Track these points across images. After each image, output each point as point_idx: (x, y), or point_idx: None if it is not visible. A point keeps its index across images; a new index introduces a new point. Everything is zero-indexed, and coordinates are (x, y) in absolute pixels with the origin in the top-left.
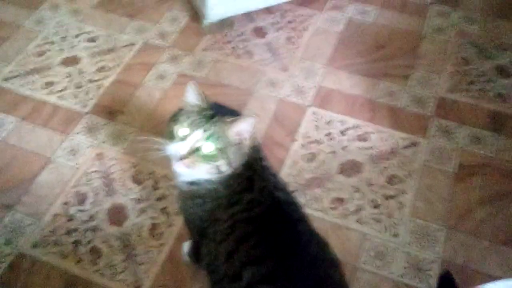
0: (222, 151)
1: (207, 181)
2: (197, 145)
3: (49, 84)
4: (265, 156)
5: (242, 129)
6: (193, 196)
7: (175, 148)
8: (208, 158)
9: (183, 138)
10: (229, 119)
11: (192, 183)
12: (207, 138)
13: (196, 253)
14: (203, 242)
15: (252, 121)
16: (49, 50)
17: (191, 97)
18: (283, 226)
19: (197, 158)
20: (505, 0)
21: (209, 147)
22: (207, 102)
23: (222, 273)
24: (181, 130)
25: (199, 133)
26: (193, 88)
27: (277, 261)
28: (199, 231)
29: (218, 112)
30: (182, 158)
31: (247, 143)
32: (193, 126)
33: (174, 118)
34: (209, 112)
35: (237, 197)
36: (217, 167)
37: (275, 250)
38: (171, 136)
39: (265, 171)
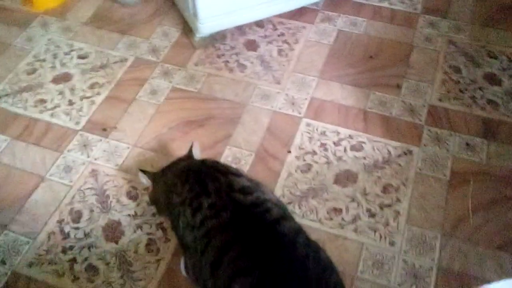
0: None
1: None
2: None
3: (41, 102)
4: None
5: None
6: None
7: None
8: None
9: None
10: None
11: None
12: None
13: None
14: (187, 253)
15: None
16: (40, 68)
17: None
18: (261, 230)
19: None
20: (492, 9)
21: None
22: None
23: (211, 287)
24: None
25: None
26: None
27: (264, 268)
28: (181, 242)
29: None
30: None
31: None
32: None
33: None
34: None
35: (196, 202)
36: None
37: (260, 257)
38: None
39: (212, 169)
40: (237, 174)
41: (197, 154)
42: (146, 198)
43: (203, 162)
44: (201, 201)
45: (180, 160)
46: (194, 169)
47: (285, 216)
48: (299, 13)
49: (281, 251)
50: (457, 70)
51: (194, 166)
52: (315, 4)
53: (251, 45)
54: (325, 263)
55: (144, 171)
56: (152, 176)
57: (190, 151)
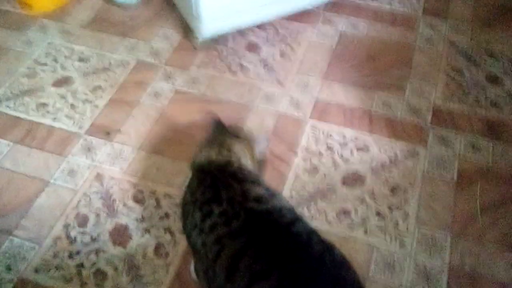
0: None
1: None
2: None
3: (43, 105)
4: (231, 161)
5: None
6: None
7: None
8: None
9: None
10: None
11: None
12: None
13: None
14: (196, 256)
15: None
16: (41, 72)
17: None
18: (275, 232)
19: None
20: (491, 10)
21: None
22: None
23: None
24: None
25: None
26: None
27: (283, 269)
28: (191, 244)
29: None
30: None
31: None
32: None
33: None
34: None
35: (207, 208)
36: None
37: (277, 259)
38: None
39: (228, 177)
40: (255, 182)
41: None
42: (153, 201)
43: (226, 165)
44: (212, 208)
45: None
46: (213, 170)
47: (299, 218)
48: (300, 16)
49: (298, 250)
50: (460, 71)
51: (214, 167)
52: (316, 6)
53: (253, 48)
54: (341, 259)
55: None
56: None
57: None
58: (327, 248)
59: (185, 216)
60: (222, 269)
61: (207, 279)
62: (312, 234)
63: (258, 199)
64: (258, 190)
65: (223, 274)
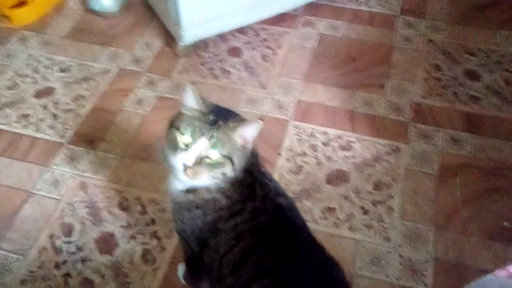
0: (227, 157)
1: (205, 189)
2: (202, 154)
3: (25, 117)
4: (262, 162)
5: (247, 134)
6: (190, 206)
7: (179, 159)
8: (214, 165)
9: (186, 147)
10: (233, 124)
11: (188, 191)
12: (212, 146)
13: (193, 269)
14: (204, 252)
15: (257, 126)
16: (21, 83)
17: (190, 101)
18: (289, 234)
19: (202, 168)
20: (467, 8)
21: (214, 155)
22: (207, 105)
23: (229, 284)
24: (183, 138)
25: (203, 142)
26: (192, 91)
27: (286, 271)
28: (200, 242)
29: (220, 116)
30: (186, 168)
31: (249, 146)
32: (196, 134)
33: (175, 125)
34: (211, 117)
35: (239, 206)
36: (223, 173)
37: (284, 261)
38: (172, 145)
39: (264, 177)
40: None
41: (191, 103)
42: (138, 208)
43: (256, 164)
44: (245, 205)
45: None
46: (250, 171)
47: (305, 222)
48: (280, 19)
49: (303, 255)
50: (438, 68)
51: (251, 168)
52: (295, 9)
53: (235, 52)
54: (333, 261)
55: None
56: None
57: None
58: (322, 251)
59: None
60: (230, 262)
61: (210, 270)
62: (313, 239)
63: (285, 195)
64: (280, 186)
65: (229, 268)
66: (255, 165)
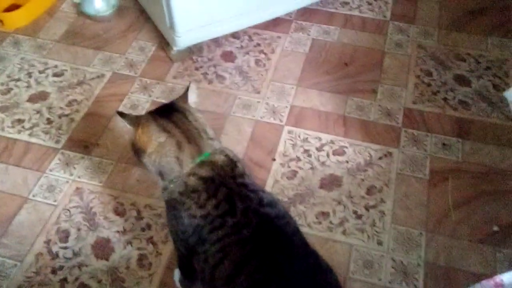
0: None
1: (164, 188)
2: None
3: (19, 121)
4: (244, 173)
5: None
6: (169, 206)
7: None
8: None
9: None
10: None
11: (163, 189)
12: None
13: (185, 272)
14: (194, 258)
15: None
16: (15, 87)
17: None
18: (280, 243)
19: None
20: (456, 14)
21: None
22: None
23: None
24: None
25: None
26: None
27: (278, 282)
28: (186, 246)
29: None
30: None
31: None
32: None
33: None
34: None
35: (219, 221)
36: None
37: (277, 271)
38: None
39: (245, 188)
40: (261, 189)
41: (193, 99)
42: (134, 213)
43: (233, 177)
44: (224, 220)
45: (173, 104)
46: (225, 183)
47: (297, 227)
48: (273, 24)
49: (297, 263)
50: (428, 73)
51: (225, 180)
52: (288, 14)
53: (228, 57)
54: (327, 266)
55: (122, 114)
56: (135, 120)
57: (186, 94)
58: (316, 257)
59: (184, 228)
60: (223, 275)
61: (202, 278)
62: (307, 245)
63: (270, 204)
64: (268, 196)
65: (222, 280)
66: (230, 178)
